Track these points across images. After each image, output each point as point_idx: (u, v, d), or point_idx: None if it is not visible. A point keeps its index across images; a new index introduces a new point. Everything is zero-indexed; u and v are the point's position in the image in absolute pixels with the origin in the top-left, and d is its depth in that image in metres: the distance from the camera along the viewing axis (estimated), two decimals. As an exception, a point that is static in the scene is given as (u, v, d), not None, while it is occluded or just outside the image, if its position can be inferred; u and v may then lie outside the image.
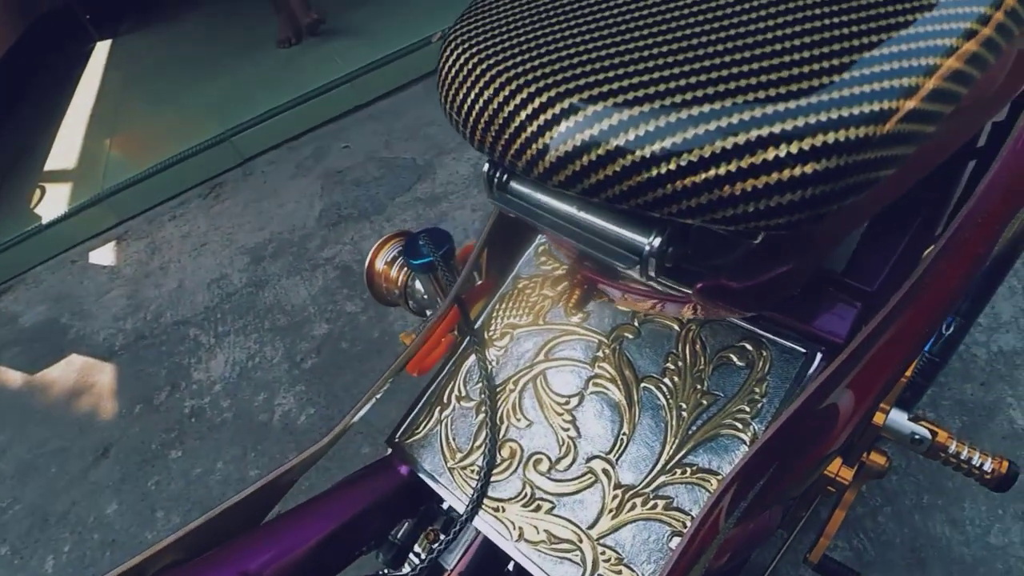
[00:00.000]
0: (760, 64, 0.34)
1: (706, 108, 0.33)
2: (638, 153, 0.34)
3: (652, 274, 0.39)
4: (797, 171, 0.32)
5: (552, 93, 0.37)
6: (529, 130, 0.38)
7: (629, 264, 0.40)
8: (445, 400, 0.60)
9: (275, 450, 1.39)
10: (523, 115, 0.38)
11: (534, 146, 0.38)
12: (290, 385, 1.51)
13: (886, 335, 0.43)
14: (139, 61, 3.47)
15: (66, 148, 2.81)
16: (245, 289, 1.82)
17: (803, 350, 0.51)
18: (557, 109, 0.37)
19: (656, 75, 0.36)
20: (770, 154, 0.32)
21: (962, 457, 0.63)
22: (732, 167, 0.32)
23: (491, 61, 0.41)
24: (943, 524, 0.99)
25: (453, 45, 0.45)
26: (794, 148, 0.32)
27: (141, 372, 1.70)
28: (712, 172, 0.33)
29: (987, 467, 0.63)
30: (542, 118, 0.37)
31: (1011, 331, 1.18)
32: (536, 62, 0.39)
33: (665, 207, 0.35)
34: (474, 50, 0.43)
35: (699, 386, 0.52)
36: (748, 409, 0.50)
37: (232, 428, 1.47)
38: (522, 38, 0.42)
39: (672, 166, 0.33)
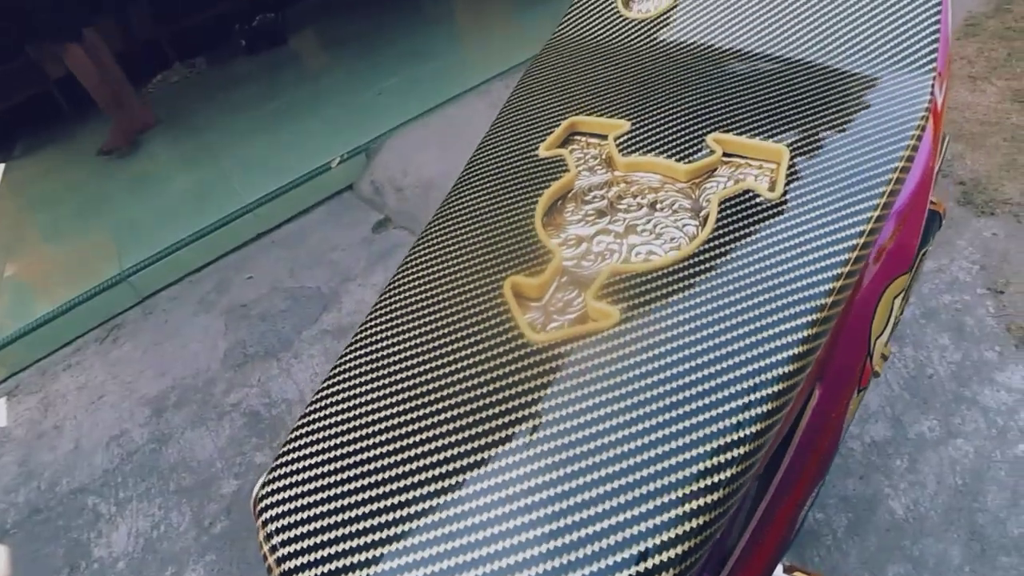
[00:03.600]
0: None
1: None
2: None
3: None
4: None
5: None
6: None
7: None
8: None
9: (185, 632, 1.33)
10: None
11: None
12: (199, 555, 1.46)
13: None
14: (30, 192, 3.36)
15: (-52, 295, 2.65)
16: (147, 446, 1.76)
17: None
18: None
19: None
20: None
21: None
22: None
23: (287, 535, 0.46)
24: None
25: (266, 492, 0.48)
26: None
27: (36, 553, 1.59)
28: None
29: None
30: None
31: (880, 420, 1.28)
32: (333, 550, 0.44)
33: None
34: (277, 510, 0.47)
35: None
36: None
37: (137, 611, 1.39)
38: (323, 496, 0.46)
39: None
